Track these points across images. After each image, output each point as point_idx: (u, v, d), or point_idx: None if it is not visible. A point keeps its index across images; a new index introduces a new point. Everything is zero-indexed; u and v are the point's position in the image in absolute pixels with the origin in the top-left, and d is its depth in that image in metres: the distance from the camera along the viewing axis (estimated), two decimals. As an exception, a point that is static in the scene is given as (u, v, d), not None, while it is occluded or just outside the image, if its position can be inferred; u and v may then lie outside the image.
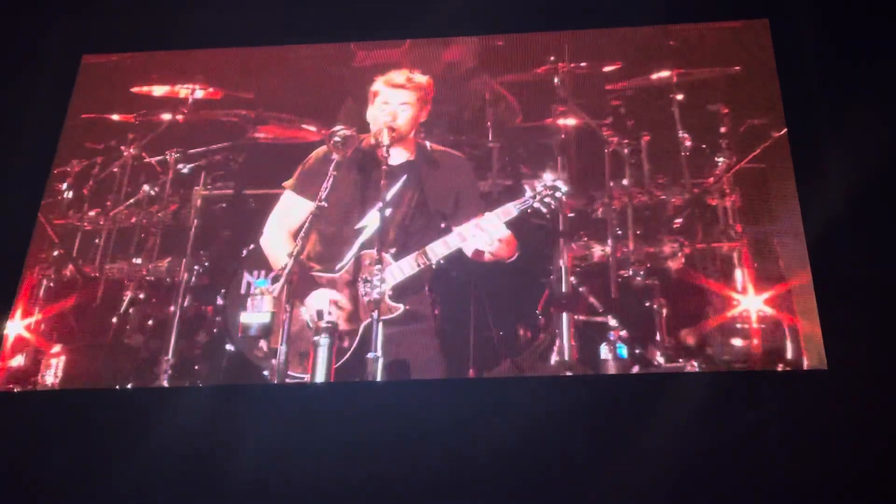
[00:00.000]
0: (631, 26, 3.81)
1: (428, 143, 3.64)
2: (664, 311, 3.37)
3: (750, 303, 3.30)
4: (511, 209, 3.37)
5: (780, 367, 3.19)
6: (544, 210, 3.39)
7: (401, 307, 3.35)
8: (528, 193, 3.39)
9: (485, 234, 3.34)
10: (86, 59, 3.96)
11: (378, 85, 3.61)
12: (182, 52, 4.00)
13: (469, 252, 3.39)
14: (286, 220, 3.57)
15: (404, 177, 3.53)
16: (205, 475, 3.11)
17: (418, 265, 3.37)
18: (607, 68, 3.83)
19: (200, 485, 3.11)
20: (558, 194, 3.40)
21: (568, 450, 3.01)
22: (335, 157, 3.42)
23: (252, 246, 3.59)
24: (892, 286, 3.10)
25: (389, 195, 3.46)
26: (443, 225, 3.48)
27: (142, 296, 3.59)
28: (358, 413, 3.19)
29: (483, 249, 3.37)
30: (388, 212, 3.44)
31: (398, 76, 3.61)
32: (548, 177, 3.44)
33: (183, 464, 3.12)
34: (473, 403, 3.20)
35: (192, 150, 3.82)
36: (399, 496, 3.04)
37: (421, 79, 3.62)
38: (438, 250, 3.38)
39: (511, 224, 3.38)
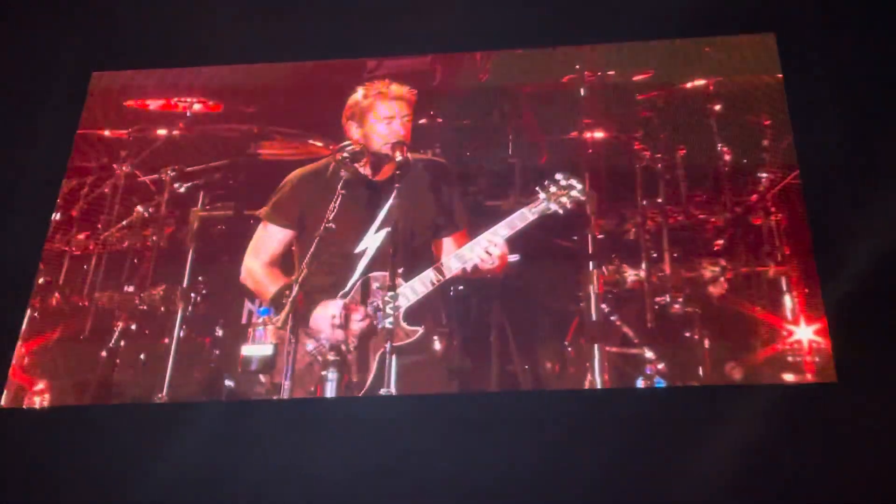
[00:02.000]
0: (633, 41, 3.62)
1: (409, 155, 3.39)
2: (706, 343, 3.10)
3: (802, 333, 3.02)
4: (527, 214, 3.18)
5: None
6: (561, 211, 3.20)
7: (419, 330, 3.14)
8: (542, 195, 3.20)
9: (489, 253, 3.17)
10: (95, 76, 3.77)
11: (367, 99, 3.40)
12: (192, 69, 3.81)
13: (469, 267, 3.19)
14: (265, 252, 3.34)
15: (394, 192, 3.30)
16: (202, 491, 2.94)
17: (432, 283, 3.17)
18: (637, 77, 3.58)
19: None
20: (574, 193, 3.21)
21: (575, 463, 2.87)
22: (343, 174, 3.26)
23: (254, 271, 3.37)
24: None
25: (385, 213, 3.26)
26: (445, 236, 3.31)
27: (133, 327, 3.34)
28: (365, 425, 3.03)
29: (483, 267, 3.18)
30: (385, 231, 3.25)
31: (395, 88, 3.41)
32: (560, 176, 3.22)
33: (180, 480, 2.95)
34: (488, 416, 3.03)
35: (189, 168, 3.59)
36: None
37: (410, 90, 3.42)
38: (453, 265, 3.18)
39: (532, 239, 3.21)
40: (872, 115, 3.28)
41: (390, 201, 3.26)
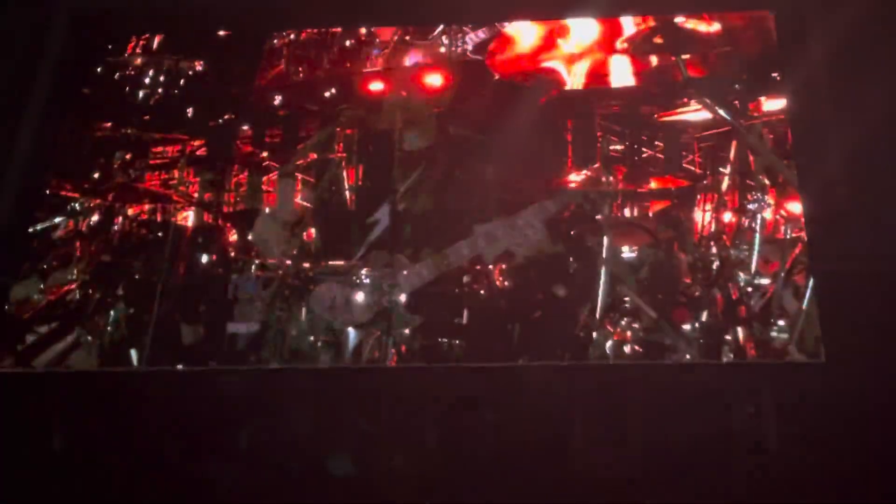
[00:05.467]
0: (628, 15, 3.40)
1: (451, 127, 3.19)
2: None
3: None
4: (549, 206, 2.95)
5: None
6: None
7: (416, 318, 2.90)
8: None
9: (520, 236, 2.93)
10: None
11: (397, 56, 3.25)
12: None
13: (490, 257, 2.95)
14: (280, 209, 3.12)
15: (422, 166, 3.11)
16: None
17: (438, 269, 2.94)
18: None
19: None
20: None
21: (560, 438, 2.79)
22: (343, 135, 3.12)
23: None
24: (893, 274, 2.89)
25: (405, 186, 3.06)
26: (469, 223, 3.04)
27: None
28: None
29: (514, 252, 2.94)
30: (402, 206, 3.03)
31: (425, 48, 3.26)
32: None
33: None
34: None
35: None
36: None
37: (450, 53, 3.23)
38: (463, 252, 2.94)
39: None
40: (869, 97, 3.15)
41: (416, 173, 3.08)
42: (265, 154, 3.22)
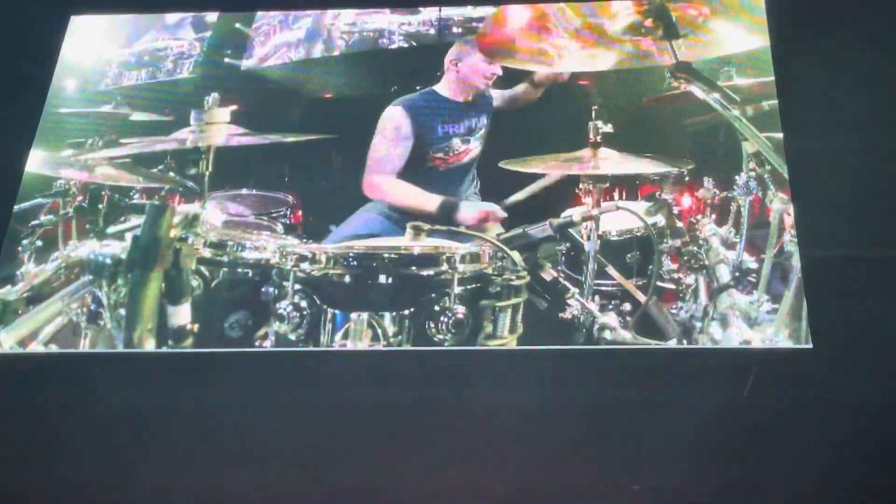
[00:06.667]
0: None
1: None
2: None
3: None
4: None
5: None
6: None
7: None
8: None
9: None
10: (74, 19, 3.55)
11: None
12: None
13: None
14: None
15: None
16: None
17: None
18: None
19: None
20: None
21: (555, 429, 2.80)
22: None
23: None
24: (880, 260, 2.92)
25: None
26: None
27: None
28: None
29: None
30: None
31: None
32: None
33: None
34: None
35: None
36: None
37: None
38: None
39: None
40: (862, 82, 3.18)
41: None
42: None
